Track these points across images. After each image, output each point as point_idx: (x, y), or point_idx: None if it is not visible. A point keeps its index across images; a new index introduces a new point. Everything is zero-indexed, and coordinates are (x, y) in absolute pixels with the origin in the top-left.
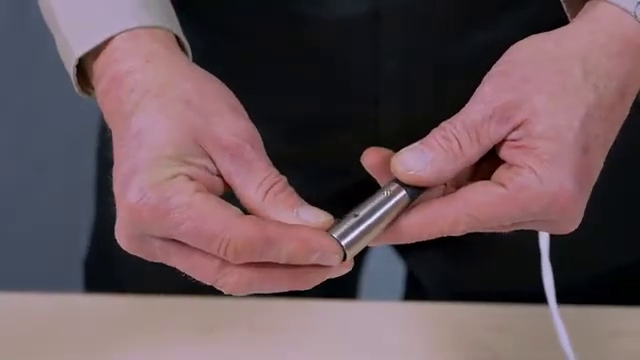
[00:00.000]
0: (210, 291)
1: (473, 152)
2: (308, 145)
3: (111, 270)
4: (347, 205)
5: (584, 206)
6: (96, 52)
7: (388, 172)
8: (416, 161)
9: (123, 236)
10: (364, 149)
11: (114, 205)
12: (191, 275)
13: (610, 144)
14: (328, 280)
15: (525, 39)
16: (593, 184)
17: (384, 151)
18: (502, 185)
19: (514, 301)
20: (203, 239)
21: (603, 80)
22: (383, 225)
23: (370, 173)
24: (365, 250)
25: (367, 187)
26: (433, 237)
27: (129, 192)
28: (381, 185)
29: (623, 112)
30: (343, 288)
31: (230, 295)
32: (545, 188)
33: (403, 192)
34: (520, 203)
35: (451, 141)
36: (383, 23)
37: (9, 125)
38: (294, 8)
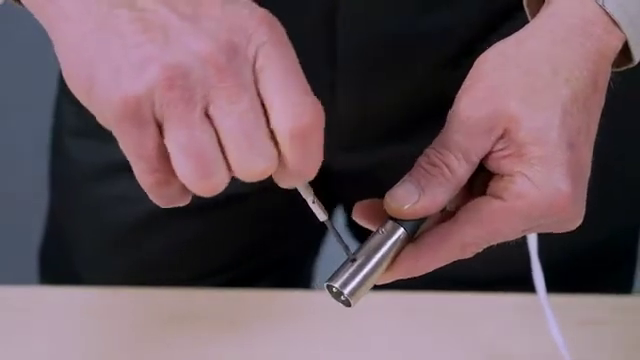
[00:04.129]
0: (185, 282)
1: (462, 172)
2: None
3: (69, 259)
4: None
5: (584, 201)
6: None
7: (381, 217)
8: (408, 194)
9: None
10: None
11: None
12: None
13: (594, 133)
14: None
15: (489, 49)
16: (587, 177)
17: (371, 200)
18: (499, 197)
19: (489, 289)
20: None
21: (573, 73)
22: (385, 265)
23: (366, 226)
24: (321, 239)
25: (329, 174)
26: (444, 264)
27: None
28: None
29: (600, 98)
30: (299, 278)
31: (201, 285)
32: (541, 192)
33: (400, 229)
34: (521, 212)
35: (439, 166)
36: (339, 4)
37: None
38: None
